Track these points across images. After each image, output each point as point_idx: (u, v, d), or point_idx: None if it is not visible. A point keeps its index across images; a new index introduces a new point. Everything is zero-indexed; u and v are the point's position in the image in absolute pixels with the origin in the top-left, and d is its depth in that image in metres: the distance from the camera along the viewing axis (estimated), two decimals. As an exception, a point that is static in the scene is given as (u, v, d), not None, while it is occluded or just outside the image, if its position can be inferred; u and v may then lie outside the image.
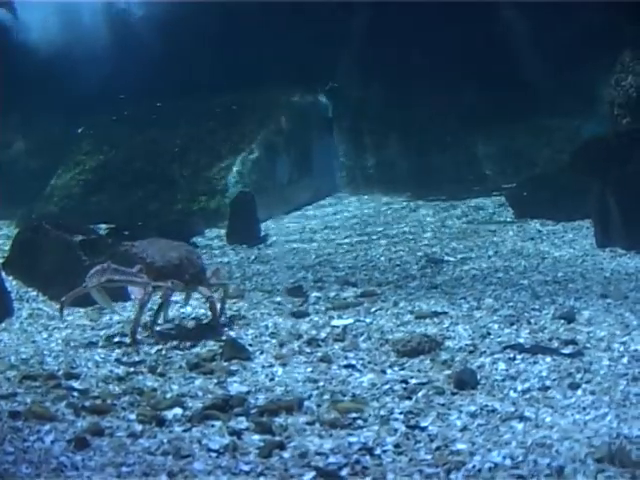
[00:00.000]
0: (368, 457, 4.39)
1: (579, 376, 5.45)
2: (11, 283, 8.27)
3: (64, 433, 4.69)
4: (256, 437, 4.66)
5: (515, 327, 6.53)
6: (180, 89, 13.18)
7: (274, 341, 6.46)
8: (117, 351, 6.31)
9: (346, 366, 5.85)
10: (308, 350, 6.22)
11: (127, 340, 6.50)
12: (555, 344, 6.10)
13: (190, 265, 6.77)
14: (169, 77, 13.18)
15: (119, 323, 7.10)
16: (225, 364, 5.93)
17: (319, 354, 6.12)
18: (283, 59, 13.00)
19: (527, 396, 5.19)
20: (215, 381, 5.60)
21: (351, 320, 6.90)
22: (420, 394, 5.26)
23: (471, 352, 6.01)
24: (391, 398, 5.23)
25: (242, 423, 4.85)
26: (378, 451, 4.46)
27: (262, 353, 6.18)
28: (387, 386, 5.42)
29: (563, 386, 5.31)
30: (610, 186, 9.27)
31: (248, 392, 5.38)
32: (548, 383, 5.37)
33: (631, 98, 10.32)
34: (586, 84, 12.44)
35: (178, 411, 5.04)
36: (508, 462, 4.27)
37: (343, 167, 14.44)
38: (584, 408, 4.96)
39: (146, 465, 4.29)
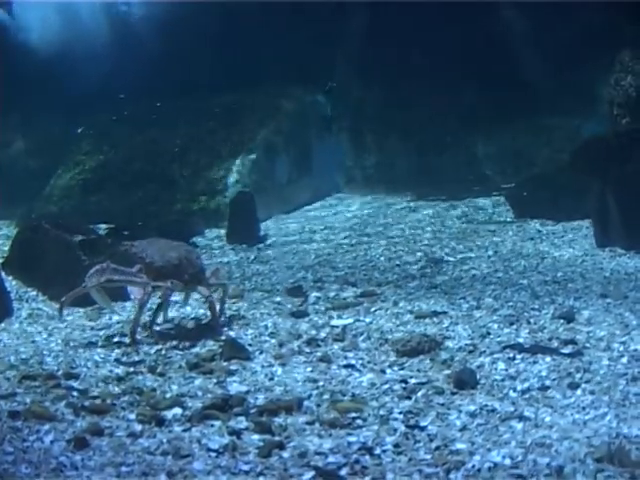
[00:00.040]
0: (367, 457, 4.39)
1: (579, 376, 5.45)
2: (11, 283, 8.27)
3: (64, 433, 4.69)
4: (256, 437, 4.66)
5: (515, 327, 6.53)
6: (180, 89, 13.18)
7: (274, 341, 6.46)
8: (117, 351, 6.31)
9: (346, 366, 5.85)
10: (308, 350, 6.22)
11: (127, 340, 6.50)
12: (555, 344, 6.10)
13: (189, 265, 6.77)
14: (169, 77, 13.18)
15: (119, 323, 7.11)
16: (225, 364, 5.93)
17: (319, 354, 6.12)
18: (283, 59, 13.01)
19: (527, 396, 5.19)
20: (215, 381, 5.60)
21: (351, 320, 6.90)
22: (420, 394, 5.26)
23: (471, 352, 6.01)
24: (390, 398, 5.23)
25: (242, 423, 4.85)
26: (377, 451, 4.46)
27: (262, 353, 6.18)
28: (386, 386, 5.42)
29: (563, 386, 5.31)
30: (610, 186, 9.27)
31: (248, 392, 5.38)
32: (548, 383, 5.37)
33: (630, 98, 10.32)
34: (586, 84, 12.44)
35: (178, 411, 5.04)
36: (507, 462, 4.27)
37: (343, 167, 14.45)
38: (583, 408, 4.96)
39: (145, 465, 4.29)
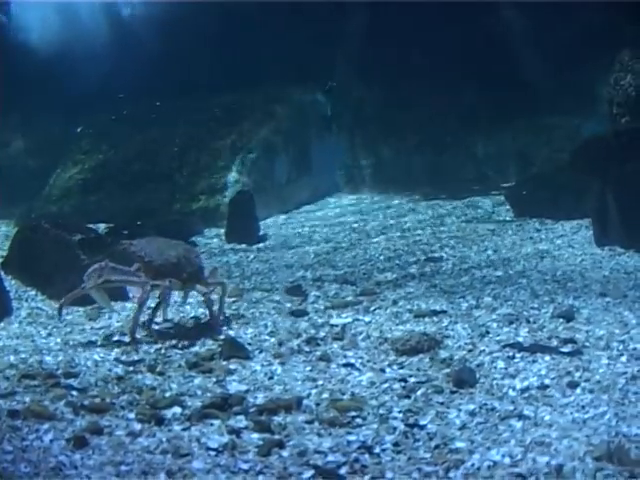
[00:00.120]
0: (367, 455, 4.39)
1: (578, 375, 5.45)
2: (10, 282, 8.27)
3: (63, 432, 4.68)
4: (255, 436, 4.66)
5: (514, 326, 6.53)
6: (179, 88, 13.19)
7: (273, 340, 6.45)
8: (116, 350, 6.31)
9: (345, 365, 5.85)
10: (307, 349, 6.22)
11: (126, 339, 6.49)
12: (554, 343, 6.09)
13: (188, 264, 6.77)
14: (168, 76, 13.19)
15: (118, 322, 7.10)
16: (224, 363, 5.92)
17: (318, 353, 6.12)
18: (282, 59, 13.01)
19: (526, 395, 5.18)
20: (214, 380, 5.60)
21: (350, 319, 6.90)
22: (419, 393, 5.26)
23: (470, 351, 6.01)
24: (390, 397, 5.23)
25: (241, 422, 4.85)
26: (377, 449, 4.46)
27: (261, 352, 6.18)
28: (386, 385, 5.42)
29: (562, 385, 5.30)
30: (609, 185, 9.27)
31: (247, 391, 5.38)
32: (547, 382, 5.36)
33: (630, 97, 10.31)
34: (586, 83, 12.44)
35: (177, 410, 5.04)
36: (507, 460, 4.27)
37: (342, 166, 14.45)
38: (583, 407, 4.96)
39: (145, 464, 4.29)
